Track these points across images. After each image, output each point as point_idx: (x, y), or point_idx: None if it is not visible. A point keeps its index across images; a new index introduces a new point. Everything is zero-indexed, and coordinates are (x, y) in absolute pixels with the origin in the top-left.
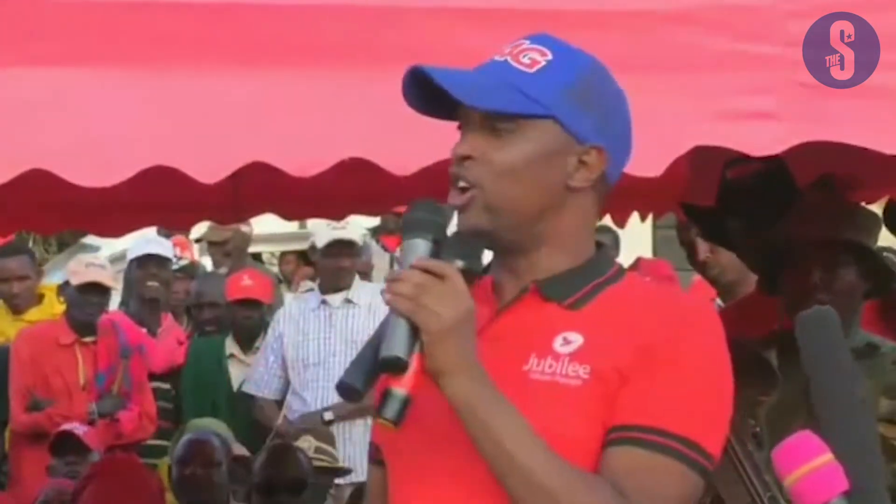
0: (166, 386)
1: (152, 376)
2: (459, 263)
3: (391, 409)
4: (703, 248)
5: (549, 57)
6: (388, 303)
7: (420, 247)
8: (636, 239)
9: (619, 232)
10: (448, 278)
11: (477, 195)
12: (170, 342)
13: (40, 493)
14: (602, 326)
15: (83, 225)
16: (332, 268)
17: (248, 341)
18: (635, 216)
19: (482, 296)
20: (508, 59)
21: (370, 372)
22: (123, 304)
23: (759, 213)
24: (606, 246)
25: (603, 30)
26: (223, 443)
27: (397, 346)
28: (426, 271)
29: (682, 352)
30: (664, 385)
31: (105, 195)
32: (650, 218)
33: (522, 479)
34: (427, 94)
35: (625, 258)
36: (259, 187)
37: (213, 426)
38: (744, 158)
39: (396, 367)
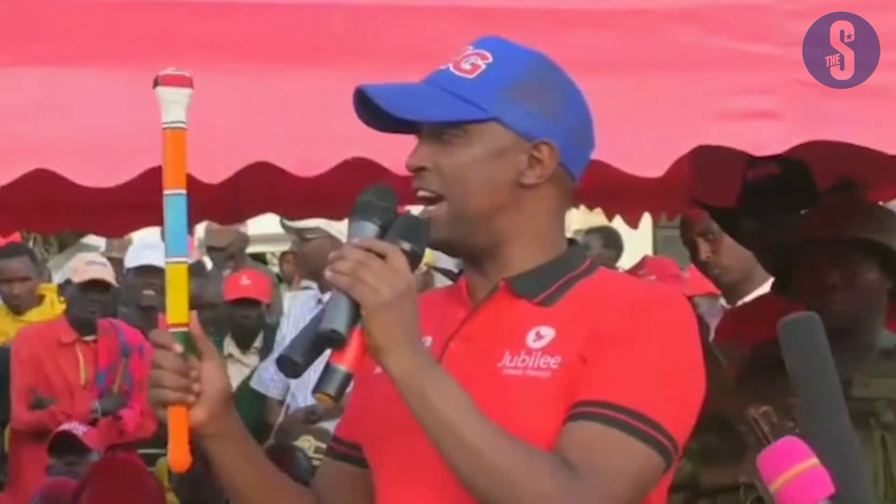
0: None
1: None
2: (405, 245)
3: (332, 385)
4: (704, 248)
5: (490, 60)
6: (328, 279)
7: (367, 229)
8: (637, 239)
9: (620, 232)
10: (389, 257)
11: (443, 208)
12: None
13: (38, 491)
14: (572, 319)
15: (83, 225)
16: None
17: (246, 341)
18: (646, 217)
19: (457, 297)
20: (451, 67)
21: (310, 347)
22: (124, 305)
23: (776, 215)
24: (578, 243)
25: (604, 29)
26: None
27: (336, 320)
28: (368, 250)
29: (634, 333)
30: (614, 362)
31: (105, 195)
32: (650, 218)
33: (464, 454)
34: (384, 112)
35: (625, 258)
36: (259, 187)
37: None
38: (764, 159)
39: (334, 340)
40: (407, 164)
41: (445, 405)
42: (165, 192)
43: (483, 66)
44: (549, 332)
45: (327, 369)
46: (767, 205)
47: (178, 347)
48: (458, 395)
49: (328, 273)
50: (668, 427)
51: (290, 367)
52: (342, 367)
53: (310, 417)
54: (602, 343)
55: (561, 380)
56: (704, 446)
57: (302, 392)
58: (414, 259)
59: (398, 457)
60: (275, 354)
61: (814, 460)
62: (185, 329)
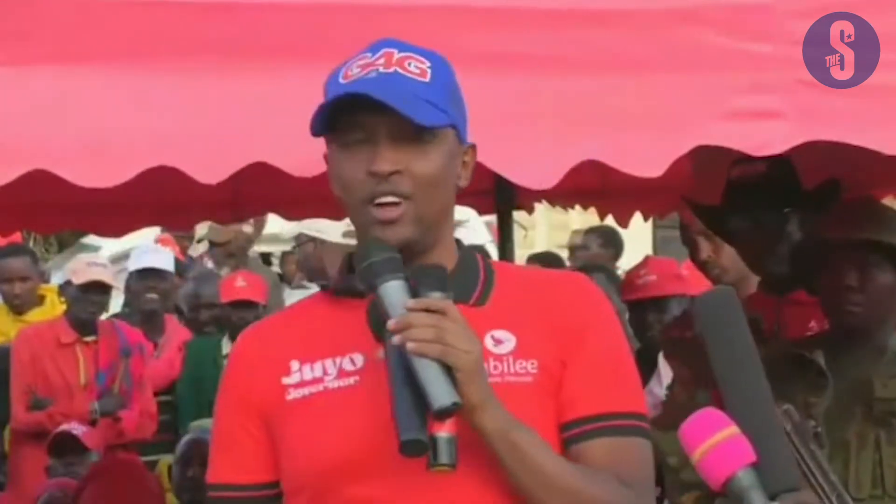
0: (168, 398)
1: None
2: (439, 295)
3: (450, 454)
4: (705, 247)
5: (429, 63)
6: (413, 351)
7: (400, 288)
8: (637, 239)
9: (621, 232)
10: (449, 313)
11: (408, 208)
12: (167, 357)
13: (42, 493)
14: (522, 319)
15: (83, 225)
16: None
17: None
18: (637, 216)
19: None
20: (397, 69)
21: (424, 422)
22: (126, 305)
23: (761, 213)
24: (460, 241)
25: (605, 29)
26: None
27: (448, 391)
28: (427, 311)
29: (598, 327)
30: (599, 366)
31: (105, 195)
32: (650, 218)
33: (562, 497)
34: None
35: (626, 258)
36: (259, 187)
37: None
38: (749, 158)
39: (453, 411)
40: (377, 168)
41: (536, 453)
42: None
43: (429, 71)
44: (505, 336)
45: (437, 440)
46: (753, 202)
47: None
48: (541, 441)
49: (410, 346)
50: (645, 412)
51: (420, 448)
52: (449, 434)
53: None
54: (574, 342)
55: (542, 383)
56: None
57: None
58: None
59: (363, 495)
60: None
61: (733, 428)
62: None
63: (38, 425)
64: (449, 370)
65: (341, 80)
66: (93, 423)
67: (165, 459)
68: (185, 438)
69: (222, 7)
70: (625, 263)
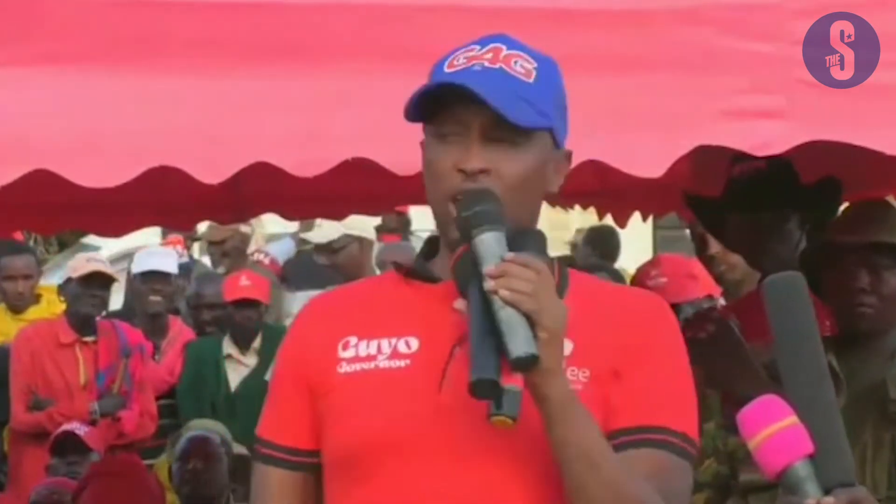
0: (169, 402)
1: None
2: (547, 259)
3: (514, 406)
4: (713, 243)
5: (535, 64)
6: (506, 299)
7: (500, 239)
8: (637, 239)
9: (620, 232)
10: (544, 274)
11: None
12: (169, 362)
13: (32, 493)
14: (584, 327)
15: (83, 225)
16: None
17: (245, 342)
18: (636, 216)
19: (435, 297)
20: (503, 66)
21: (499, 366)
22: (126, 304)
23: (761, 211)
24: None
25: (606, 29)
26: (224, 441)
27: (527, 342)
28: (527, 267)
29: (661, 346)
30: (656, 381)
31: (105, 195)
32: (650, 218)
33: (602, 483)
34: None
35: (626, 258)
36: (259, 187)
37: (212, 427)
38: (749, 156)
39: (531, 364)
40: (467, 165)
41: (588, 434)
42: None
43: (534, 72)
44: (566, 343)
45: (503, 391)
46: (752, 200)
47: None
48: (596, 428)
49: (504, 293)
50: (696, 439)
51: (489, 390)
52: (517, 387)
53: None
54: (635, 358)
55: (593, 392)
56: (738, 446)
57: None
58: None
59: (400, 474)
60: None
61: (793, 418)
62: None
63: (38, 426)
64: (533, 328)
65: (445, 69)
66: (92, 423)
67: (165, 458)
68: (185, 435)
69: (223, 7)
70: (625, 264)
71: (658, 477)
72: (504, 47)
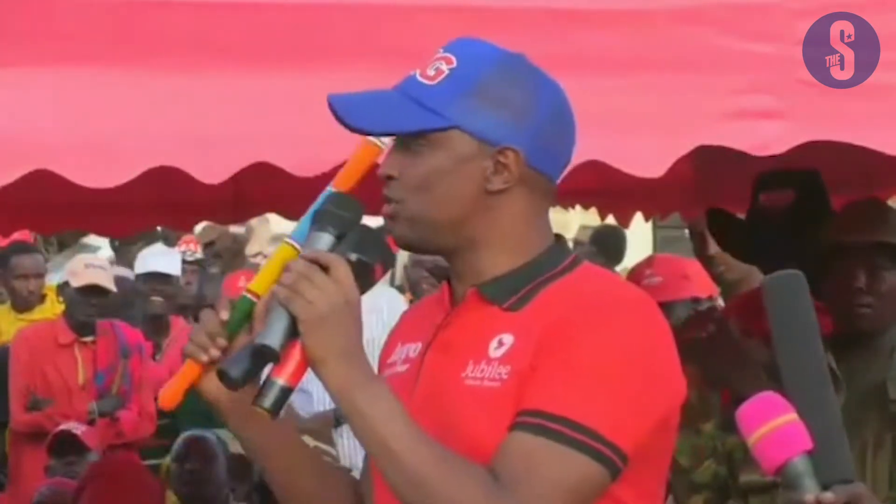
0: None
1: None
2: (352, 256)
3: (268, 398)
4: (712, 243)
5: (454, 65)
6: (273, 293)
7: (322, 239)
8: (637, 239)
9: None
10: (332, 269)
11: (398, 209)
12: (169, 364)
13: (35, 494)
14: (533, 326)
15: (83, 225)
16: None
17: None
18: (638, 216)
19: (439, 302)
20: (417, 73)
21: (250, 362)
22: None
23: (787, 241)
24: (563, 240)
25: (605, 29)
26: (221, 440)
27: (270, 335)
28: (313, 262)
29: (582, 337)
30: (555, 369)
31: (105, 195)
32: (651, 218)
33: (394, 467)
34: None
35: (626, 257)
36: (259, 187)
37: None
38: (777, 182)
39: (268, 355)
40: (379, 172)
41: (382, 424)
42: (330, 187)
43: (446, 72)
44: (509, 340)
45: (266, 383)
46: (781, 232)
47: (224, 314)
48: (390, 408)
49: (273, 287)
50: (610, 436)
51: (226, 380)
52: (279, 380)
53: (340, 421)
54: (548, 349)
55: (509, 389)
56: (737, 446)
57: (315, 385)
58: (364, 270)
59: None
60: None
61: (793, 414)
62: (253, 299)
63: (37, 426)
64: (295, 320)
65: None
66: (91, 423)
67: (166, 462)
68: (182, 437)
69: (223, 7)
70: (626, 263)
71: (522, 460)
72: (440, 51)
